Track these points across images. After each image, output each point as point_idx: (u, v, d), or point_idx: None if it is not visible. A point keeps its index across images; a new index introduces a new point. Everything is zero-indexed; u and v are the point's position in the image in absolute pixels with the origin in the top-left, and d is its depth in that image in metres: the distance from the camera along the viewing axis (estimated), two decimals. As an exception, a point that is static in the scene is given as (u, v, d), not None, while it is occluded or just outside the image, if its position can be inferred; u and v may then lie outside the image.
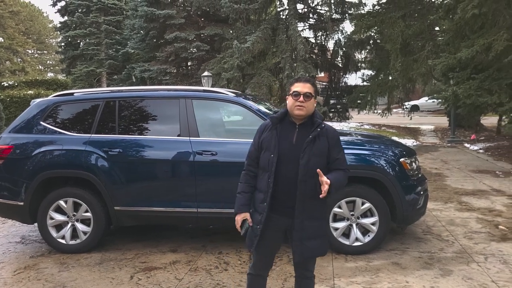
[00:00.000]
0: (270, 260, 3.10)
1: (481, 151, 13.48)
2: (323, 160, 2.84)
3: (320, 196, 2.70)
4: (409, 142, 15.53)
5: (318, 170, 2.71)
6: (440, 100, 15.95)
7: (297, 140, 2.85)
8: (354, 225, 4.80)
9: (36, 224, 5.21)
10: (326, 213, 3.04)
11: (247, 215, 2.96)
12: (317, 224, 2.90)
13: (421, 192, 5.00)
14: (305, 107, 2.83)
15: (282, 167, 2.82)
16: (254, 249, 2.95)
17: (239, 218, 2.96)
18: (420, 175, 5.19)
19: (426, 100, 33.49)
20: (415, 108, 34.61)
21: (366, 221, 4.79)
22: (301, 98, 2.82)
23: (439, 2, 14.85)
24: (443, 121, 22.94)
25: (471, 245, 5.05)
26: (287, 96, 2.93)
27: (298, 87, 2.86)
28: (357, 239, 4.80)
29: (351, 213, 4.78)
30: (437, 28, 15.78)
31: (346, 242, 4.78)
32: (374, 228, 4.77)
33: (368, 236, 4.81)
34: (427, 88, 24.73)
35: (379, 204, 4.75)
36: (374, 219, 4.77)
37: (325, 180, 2.69)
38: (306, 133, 2.85)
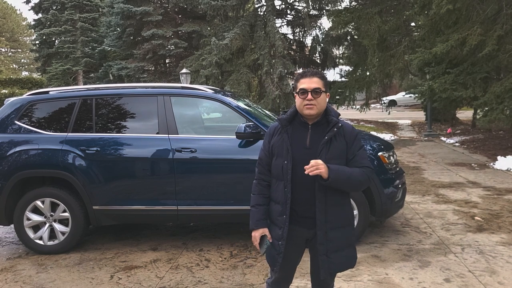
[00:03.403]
0: (291, 275, 2.81)
1: (457, 144, 13.73)
2: (343, 162, 2.54)
3: (305, 172, 2.39)
4: (387, 136, 15.76)
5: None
6: (416, 95, 16.20)
7: (311, 143, 2.53)
8: (334, 219, 4.83)
9: (12, 225, 5.11)
10: (351, 219, 2.73)
11: (265, 231, 2.64)
12: (343, 233, 2.60)
13: (399, 186, 5.07)
14: (315, 105, 2.49)
15: (297, 174, 2.49)
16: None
17: (257, 235, 2.64)
18: (398, 169, 5.25)
19: (404, 95, 34.07)
20: (392, 103, 34.97)
21: (346, 215, 4.82)
22: (309, 96, 2.48)
23: (414, -2, 15.01)
24: (420, 115, 23.27)
25: (448, 237, 5.15)
26: (295, 94, 2.59)
27: (304, 83, 2.52)
28: (337, 233, 4.82)
29: (330, 207, 4.80)
30: (413, 24, 15.93)
31: (326, 236, 4.80)
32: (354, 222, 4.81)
33: (348, 230, 4.85)
34: (404, 83, 25.05)
35: (358, 197, 4.78)
36: (354, 213, 4.80)
37: (313, 161, 2.39)
38: (320, 133, 2.53)
